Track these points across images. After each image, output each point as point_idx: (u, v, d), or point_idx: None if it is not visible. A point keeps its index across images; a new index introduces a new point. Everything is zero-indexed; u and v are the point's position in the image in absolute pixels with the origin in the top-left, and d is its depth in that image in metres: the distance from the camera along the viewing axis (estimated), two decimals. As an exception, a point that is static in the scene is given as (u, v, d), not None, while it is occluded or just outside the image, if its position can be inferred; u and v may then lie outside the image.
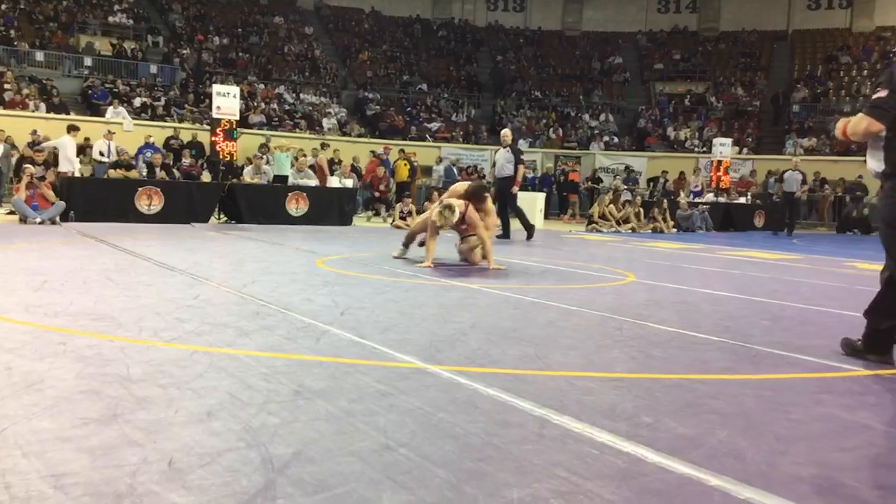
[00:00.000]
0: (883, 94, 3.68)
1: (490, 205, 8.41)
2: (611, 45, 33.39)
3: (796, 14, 32.34)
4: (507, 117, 28.20)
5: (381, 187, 17.49)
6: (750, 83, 29.76)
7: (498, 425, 2.59)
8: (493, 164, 12.79)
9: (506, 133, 12.60)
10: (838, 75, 28.83)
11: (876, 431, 2.72)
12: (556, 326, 4.53)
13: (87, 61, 22.68)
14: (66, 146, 12.94)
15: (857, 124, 3.73)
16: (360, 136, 24.37)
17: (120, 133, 17.18)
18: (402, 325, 4.30)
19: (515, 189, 12.26)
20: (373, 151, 19.60)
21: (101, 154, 15.34)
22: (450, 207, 7.44)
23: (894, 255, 3.72)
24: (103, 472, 2.06)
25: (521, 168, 12.40)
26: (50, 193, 11.28)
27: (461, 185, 8.33)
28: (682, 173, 22.27)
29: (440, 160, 21.96)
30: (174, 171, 15.60)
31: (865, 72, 28.41)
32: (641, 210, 17.27)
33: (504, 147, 12.32)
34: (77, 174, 13.00)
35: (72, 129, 13.55)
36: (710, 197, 19.73)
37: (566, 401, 2.92)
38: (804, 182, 18.37)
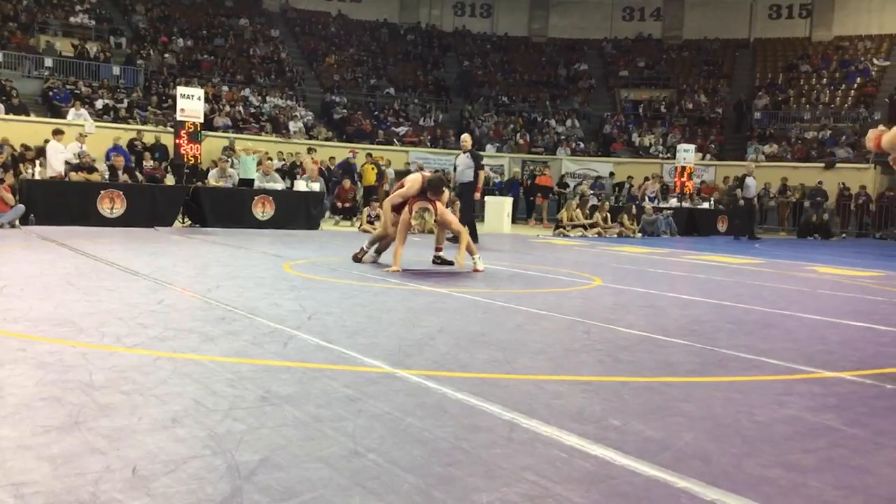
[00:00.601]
0: None
1: (445, 197, 8.25)
2: (576, 51, 33.72)
3: (757, 23, 32.98)
4: (475, 122, 28.30)
5: (348, 198, 17.45)
6: (713, 90, 30.26)
7: (467, 430, 2.58)
8: (454, 169, 12.70)
9: (465, 138, 12.52)
10: (798, 83, 29.45)
11: (839, 432, 2.76)
12: (524, 330, 4.54)
13: (48, 62, 22.26)
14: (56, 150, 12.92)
15: (893, 139, 3.57)
16: (327, 139, 24.26)
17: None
18: (370, 330, 4.28)
19: (477, 195, 12.24)
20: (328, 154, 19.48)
21: (75, 156, 15.09)
22: (427, 209, 7.45)
23: None
24: (65, 480, 2.01)
25: (482, 173, 12.38)
26: (9, 196, 11.04)
27: (417, 178, 8.00)
28: (646, 178, 22.55)
29: (410, 164, 21.97)
30: (137, 173, 15.37)
31: (824, 80, 29.07)
32: (609, 215, 17.47)
33: (464, 152, 12.20)
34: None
35: (57, 132, 13.46)
36: (673, 202, 20.00)
37: (535, 404, 2.92)
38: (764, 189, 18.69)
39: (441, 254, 8.39)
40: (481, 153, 13.72)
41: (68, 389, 2.84)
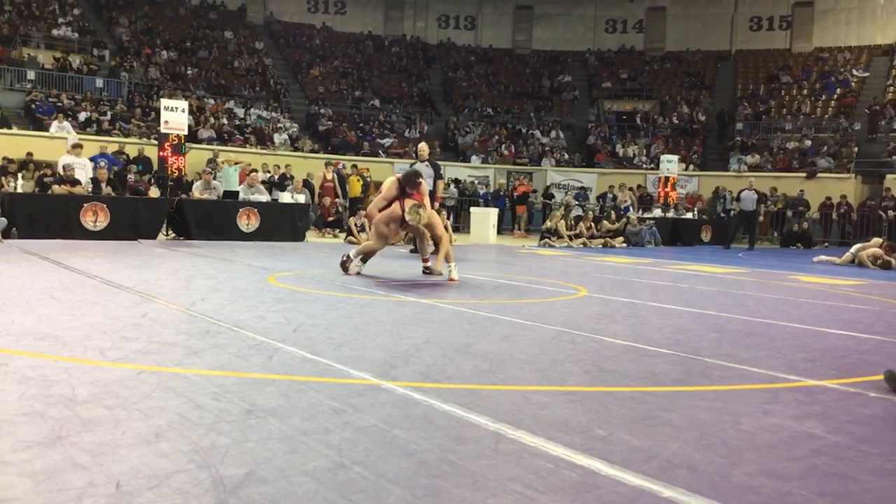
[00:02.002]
0: None
1: (425, 188, 8.26)
2: (560, 63, 33.99)
3: (739, 35, 33.39)
4: (460, 133, 28.40)
5: (332, 211, 17.44)
6: (695, 101, 30.54)
7: (453, 441, 2.58)
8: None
9: (423, 147, 12.25)
10: (779, 94, 29.80)
11: (823, 440, 2.78)
12: (510, 341, 4.55)
13: (30, 74, 22.13)
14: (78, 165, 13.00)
15: None
16: (312, 151, 24.24)
17: (61, 147, 16.72)
18: (356, 342, 4.27)
19: (437, 205, 12.19)
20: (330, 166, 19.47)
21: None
22: (420, 205, 7.64)
23: None
24: (47, 496, 1.99)
25: (441, 183, 12.25)
26: (-10, 209, 10.95)
27: (392, 181, 8.11)
28: (630, 188, 22.68)
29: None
30: (119, 186, 15.29)
31: (805, 91, 29.42)
32: (593, 224, 17.58)
33: (422, 161, 11.86)
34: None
35: (76, 146, 13.60)
36: (657, 212, 20.14)
37: (521, 415, 2.92)
38: (761, 200, 18.94)
39: (430, 265, 8.40)
40: (440, 163, 13.51)
41: (50, 404, 2.81)
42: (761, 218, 19.45)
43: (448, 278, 7.86)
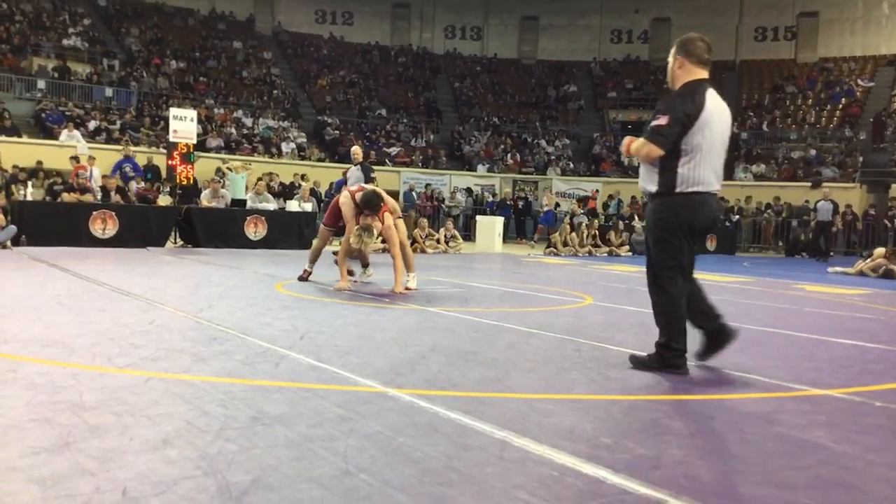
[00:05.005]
0: (663, 121, 3.88)
1: (393, 204, 7.90)
2: (565, 73, 34.08)
3: (744, 45, 33.41)
4: (466, 142, 28.47)
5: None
6: (701, 111, 30.47)
7: (459, 448, 2.59)
8: (345, 182, 12.26)
9: (355, 150, 12.13)
10: (784, 104, 29.79)
11: (828, 450, 2.78)
12: (515, 349, 4.55)
13: (40, 84, 22.29)
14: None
15: (640, 148, 3.98)
16: (319, 160, 24.32)
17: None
18: (362, 349, 4.28)
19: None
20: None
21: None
22: (368, 230, 7.26)
23: (659, 258, 4.00)
24: (54, 502, 2.00)
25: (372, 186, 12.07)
26: (0, 217, 11.00)
27: (347, 201, 7.64)
28: (633, 198, 22.63)
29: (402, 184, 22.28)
30: (129, 194, 15.40)
31: (810, 101, 29.40)
32: (597, 233, 17.60)
33: (355, 165, 11.74)
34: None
35: (91, 158, 13.92)
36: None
37: (527, 423, 2.93)
38: (836, 211, 19.00)
39: (367, 270, 8.41)
40: (373, 167, 13.31)
41: (58, 410, 2.83)
42: (834, 228, 19.57)
43: (405, 287, 7.43)
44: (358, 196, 7.53)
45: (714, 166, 4.01)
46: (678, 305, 4.01)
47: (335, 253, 8.94)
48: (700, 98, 3.92)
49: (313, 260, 8.32)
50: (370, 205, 7.39)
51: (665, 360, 4.01)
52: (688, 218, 3.96)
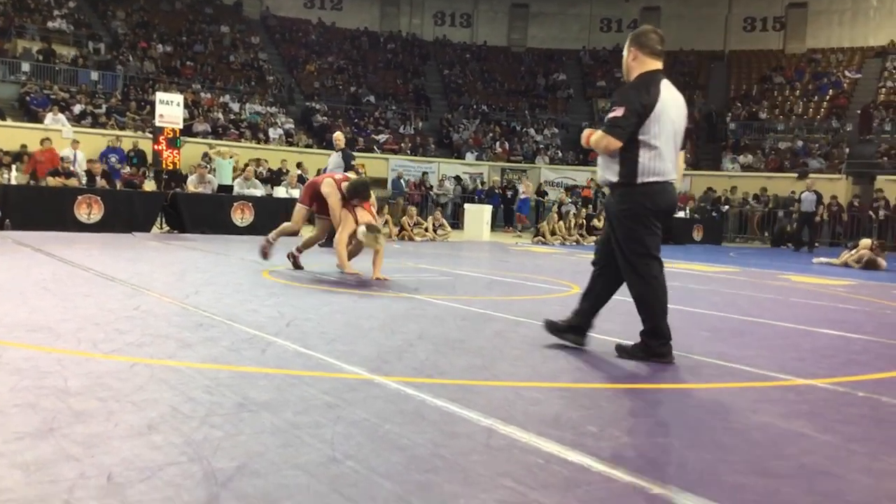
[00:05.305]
0: (619, 112, 3.94)
1: (374, 200, 7.87)
2: (555, 61, 34.02)
3: (732, 35, 33.47)
4: (455, 130, 28.40)
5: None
6: (688, 101, 30.50)
7: (445, 436, 2.59)
8: (325, 169, 12.05)
9: (338, 136, 12.11)
10: (772, 95, 29.88)
11: (811, 439, 2.80)
12: (503, 337, 4.56)
13: (25, 67, 22.02)
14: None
15: (598, 140, 4.01)
16: (307, 146, 24.20)
17: (59, 140, 16.66)
18: (348, 337, 4.28)
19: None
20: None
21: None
22: (374, 228, 7.10)
23: (626, 253, 4.07)
24: (38, 487, 1.99)
25: (351, 174, 12.09)
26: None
27: (332, 190, 7.45)
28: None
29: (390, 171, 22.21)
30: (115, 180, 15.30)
31: (798, 91, 29.51)
32: (585, 222, 17.65)
33: (336, 151, 11.78)
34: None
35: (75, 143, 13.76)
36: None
37: (513, 411, 2.94)
38: (820, 202, 19.12)
39: (298, 255, 7.94)
40: (353, 153, 13.28)
41: (43, 395, 2.81)
42: (818, 218, 19.68)
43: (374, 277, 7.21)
44: (344, 186, 7.40)
45: (671, 156, 4.07)
46: (658, 287, 4.09)
47: (322, 245, 8.87)
48: (655, 89, 4.00)
49: (280, 235, 8.01)
50: (358, 194, 7.29)
51: (651, 349, 4.04)
52: (650, 206, 4.01)
